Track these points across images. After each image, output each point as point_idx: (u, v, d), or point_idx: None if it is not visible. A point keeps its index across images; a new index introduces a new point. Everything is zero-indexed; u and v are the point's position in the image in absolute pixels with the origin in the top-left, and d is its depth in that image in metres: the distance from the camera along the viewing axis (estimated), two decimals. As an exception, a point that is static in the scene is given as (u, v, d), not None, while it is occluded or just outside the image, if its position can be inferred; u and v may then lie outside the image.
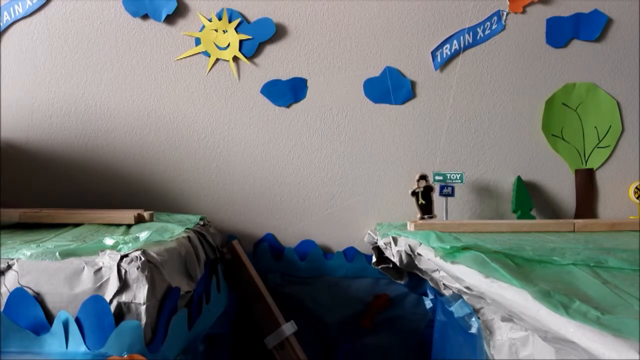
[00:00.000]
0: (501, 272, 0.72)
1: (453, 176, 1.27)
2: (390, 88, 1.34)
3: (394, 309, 1.39)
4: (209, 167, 1.37)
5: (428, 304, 1.33)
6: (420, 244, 0.92)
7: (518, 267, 0.77)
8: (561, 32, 1.35)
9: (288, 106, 1.36)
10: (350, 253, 1.39)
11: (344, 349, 1.40)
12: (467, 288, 0.79)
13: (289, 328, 1.26)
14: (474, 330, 0.93)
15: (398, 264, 0.98)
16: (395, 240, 0.99)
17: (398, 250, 0.96)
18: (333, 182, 1.38)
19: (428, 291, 1.05)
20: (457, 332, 1.00)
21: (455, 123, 1.36)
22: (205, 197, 1.37)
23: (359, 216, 1.37)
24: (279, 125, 1.37)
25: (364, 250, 1.38)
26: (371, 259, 1.32)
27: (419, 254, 0.92)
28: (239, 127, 1.36)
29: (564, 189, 1.37)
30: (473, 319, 0.92)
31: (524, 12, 1.34)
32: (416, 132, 1.36)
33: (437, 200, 1.27)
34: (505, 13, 1.34)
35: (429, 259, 0.87)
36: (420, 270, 0.97)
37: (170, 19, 1.33)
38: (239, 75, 1.35)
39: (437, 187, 1.27)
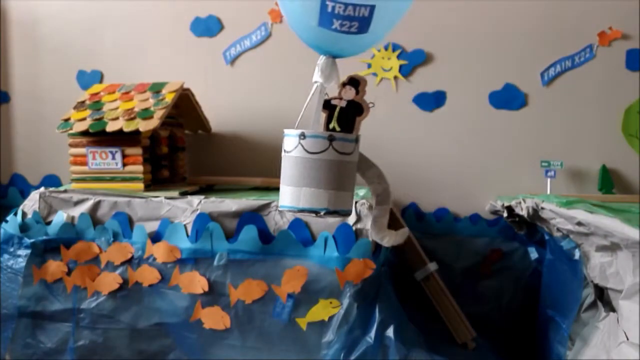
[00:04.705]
0: (601, 211, 1.23)
1: (555, 163, 1.77)
2: (508, 98, 1.87)
3: (506, 260, 1.89)
4: (370, 152, 1.92)
5: (533, 255, 1.83)
6: (543, 200, 1.44)
7: (609, 210, 1.28)
8: (637, 60, 1.82)
9: (431, 111, 1.90)
10: (474, 218, 1.90)
11: (466, 289, 1.92)
12: (578, 224, 1.30)
13: (433, 266, 1.77)
14: (576, 257, 1.42)
15: (525, 215, 1.49)
16: (524, 200, 1.52)
17: (527, 206, 1.48)
18: (465, 167, 1.90)
19: (545, 235, 1.55)
20: (563, 261, 1.49)
21: (557, 125, 1.86)
22: (370, 175, 1.93)
23: (482, 191, 1.89)
24: (424, 124, 1.91)
25: (485, 217, 1.89)
26: (491, 223, 1.85)
27: (542, 208, 1.44)
28: (395, 124, 1.91)
29: (636, 175, 1.84)
30: (576, 250, 1.42)
31: (609, 45, 1.82)
32: (526, 131, 1.87)
33: (543, 179, 1.77)
34: (595, 46, 1.83)
35: (551, 209, 1.39)
36: (540, 219, 1.48)
37: (351, 50, 1.90)
38: (397, 89, 1.90)
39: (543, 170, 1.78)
